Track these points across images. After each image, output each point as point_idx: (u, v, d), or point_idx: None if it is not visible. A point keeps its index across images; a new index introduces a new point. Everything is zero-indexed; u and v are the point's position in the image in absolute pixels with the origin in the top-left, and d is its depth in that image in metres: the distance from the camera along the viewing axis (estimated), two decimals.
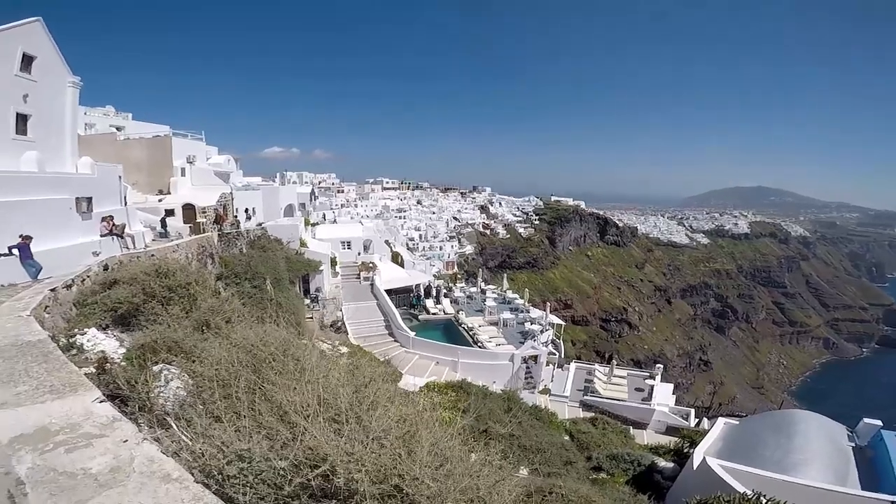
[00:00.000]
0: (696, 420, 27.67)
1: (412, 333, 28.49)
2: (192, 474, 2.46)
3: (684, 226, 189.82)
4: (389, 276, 37.85)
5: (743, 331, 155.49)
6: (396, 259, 44.74)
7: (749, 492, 9.85)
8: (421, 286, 39.19)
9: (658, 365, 34.63)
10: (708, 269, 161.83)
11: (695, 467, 13.20)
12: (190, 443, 2.89)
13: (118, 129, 34.30)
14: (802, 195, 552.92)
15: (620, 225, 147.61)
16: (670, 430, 25.44)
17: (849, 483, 12.13)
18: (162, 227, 21.99)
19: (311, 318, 28.38)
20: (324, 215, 57.47)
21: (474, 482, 2.94)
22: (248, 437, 2.82)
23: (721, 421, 17.94)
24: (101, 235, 16.52)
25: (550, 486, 8.52)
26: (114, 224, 17.04)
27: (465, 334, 31.61)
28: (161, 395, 5.01)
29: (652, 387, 29.25)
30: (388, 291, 34.12)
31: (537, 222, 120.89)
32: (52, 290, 8.66)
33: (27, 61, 15.97)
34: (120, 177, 20.24)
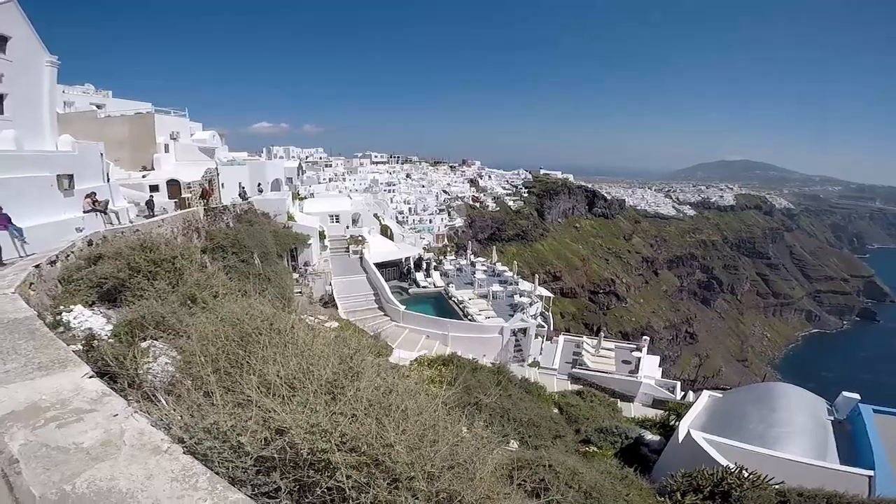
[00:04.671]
0: (682, 393, 28.25)
1: (402, 307, 28.63)
2: (182, 447, 2.50)
3: (671, 198, 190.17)
4: (379, 250, 37.83)
5: (728, 302, 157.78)
6: (386, 232, 44.63)
7: (732, 465, 10.17)
8: (411, 259, 39.25)
9: (645, 337, 35.18)
10: (694, 240, 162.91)
11: (680, 440, 13.45)
12: (178, 417, 2.93)
13: (98, 106, 33.79)
14: (787, 168, 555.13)
15: (608, 197, 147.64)
16: (657, 403, 25.97)
17: (828, 457, 12.42)
18: (148, 208, 21.33)
19: (301, 292, 28.37)
20: (308, 191, 56.90)
21: (454, 450, 3.00)
22: (223, 412, 2.85)
23: (705, 394, 18.33)
24: (84, 212, 16.37)
25: (538, 458, 8.72)
26: (96, 200, 16.87)
27: (455, 307, 31.85)
28: (150, 371, 5.04)
29: (639, 359, 29.75)
30: (378, 265, 34.12)
31: (526, 195, 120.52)
32: (36, 266, 8.57)
33: (1, 41, 15.63)
34: (101, 154, 19.91)
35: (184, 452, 2.44)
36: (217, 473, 2.38)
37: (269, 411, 2.80)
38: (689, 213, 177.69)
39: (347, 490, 2.50)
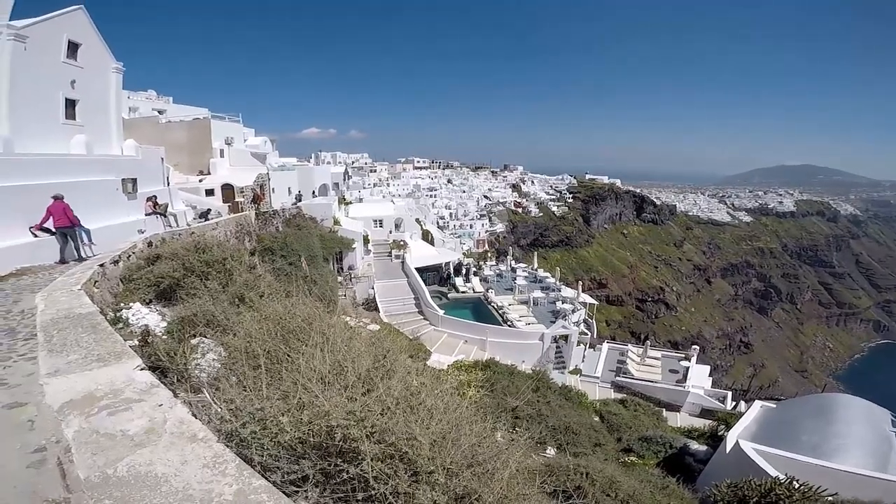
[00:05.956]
0: (734, 403, 27.09)
1: (441, 311, 28.75)
2: (218, 435, 2.68)
3: (726, 203, 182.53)
4: (420, 254, 38.15)
5: (787, 312, 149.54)
6: (427, 237, 45.01)
7: (782, 476, 9.72)
8: (451, 264, 39.40)
9: (694, 346, 33.89)
10: (750, 247, 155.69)
11: (728, 450, 13.03)
12: (218, 408, 3.12)
13: (160, 112, 35.51)
14: (853, 173, 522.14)
15: (658, 203, 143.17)
16: (705, 413, 25.01)
17: (889, 470, 11.74)
18: (202, 217, 22.38)
19: (345, 295, 29.03)
20: (357, 196, 58.30)
21: (475, 449, 3.06)
22: (265, 401, 3.02)
23: (757, 404, 17.57)
24: (146, 214, 17.36)
25: (574, 464, 8.60)
26: (157, 203, 17.85)
27: (495, 313, 31.67)
28: (198, 366, 5.35)
29: (687, 368, 28.74)
30: (419, 269, 34.39)
31: (571, 200, 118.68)
32: (101, 265, 9.21)
33: (73, 48, 16.55)
34: (162, 158, 20.98)
35: (218, 441, 2.61)
36: (252, 459, 2.54)
37: (313, 395, 2.96)
38: (744, 220, 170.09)
39: (371, 480, 2.61)
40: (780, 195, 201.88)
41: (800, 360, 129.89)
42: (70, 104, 16.74)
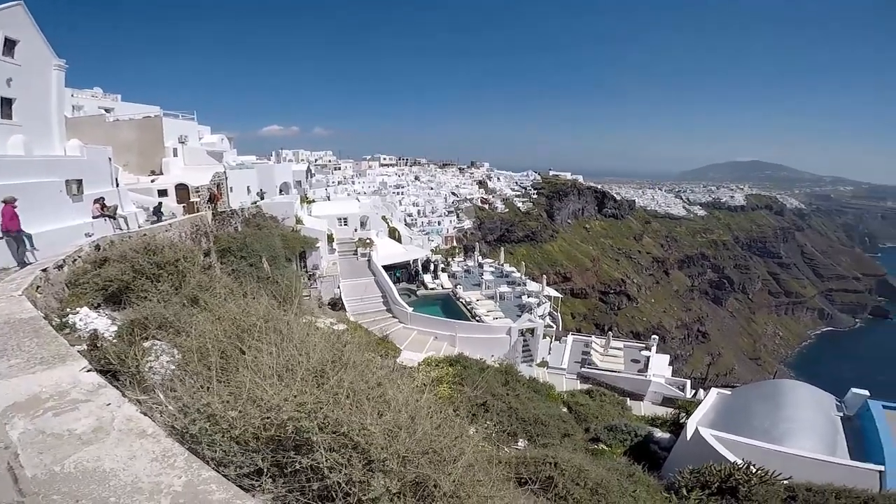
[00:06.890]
0: (693, 391, 28.09)
1: (410, 309, 28.72)
2: (170, 431, 2.61)
3: (681, 198, 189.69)
4: (386, 252, 37.92)
5: (739, 301, 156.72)
6: (394, 235, 44.76)
7: (739, 461, 10.15)
8: (418, 261, 39.31)
9: (653, 336, 34.99)
10: (705, 240, 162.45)
11: (688, 437, 13.45)
12: (170, 407, 3.03)
13: (107, 110, 33.83)
14: (798, 169, 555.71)
15: (618, 198, 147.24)
16: (666, 401, 25.85)
17: (837, 452, 12.39)
18: (155, 215, 21.36)
19: (309, 295, 28.54)
20: (324, 194, 57.47)
21: (430, 438, 3.09)
22: (213, 397, 2.96)
23: (714, 391, 18.26)
24: (93, 217, 16.53)
25: (544, 455, 8.77)
26: (105, 205, 17.03)
27: (463, 308, 31.88)
28: (151, 368, 5.16)
29: (648, 358, 29.66)
30: (386, 267, 34.24)
31: (535, 196, 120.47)
32: (44, 270, 8.73)
33: (9, 45, 15.66)
34: (110, 158, 20.05)
35: (167, 436, 2.56)
36: (204, 454, 2.51)
37: (263, 389, 2.92)
38: (699, 214, 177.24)
39: (325, 470, 2.60)
40: (732, 190, 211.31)
41: (753, 348, 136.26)
42: (6, 103, 15.82)
